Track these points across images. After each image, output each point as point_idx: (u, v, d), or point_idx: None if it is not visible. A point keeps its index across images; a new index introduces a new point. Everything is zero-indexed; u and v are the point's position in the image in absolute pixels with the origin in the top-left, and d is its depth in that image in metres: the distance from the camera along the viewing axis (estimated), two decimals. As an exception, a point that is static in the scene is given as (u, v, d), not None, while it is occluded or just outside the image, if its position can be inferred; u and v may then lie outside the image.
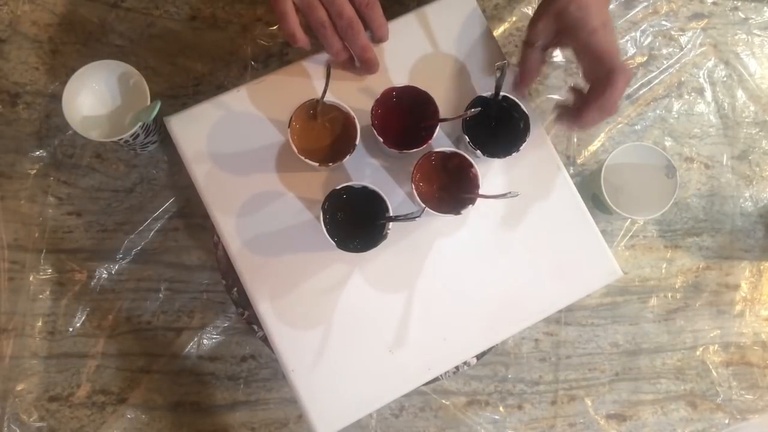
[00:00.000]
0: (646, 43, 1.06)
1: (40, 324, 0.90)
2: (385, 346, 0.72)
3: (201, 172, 0.72)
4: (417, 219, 0.62)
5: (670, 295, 1.02)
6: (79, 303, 0.90)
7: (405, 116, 0.69)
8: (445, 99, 0.69)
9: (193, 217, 0.93)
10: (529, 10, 1.03)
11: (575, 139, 1.02)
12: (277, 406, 0.92)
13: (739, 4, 1.09)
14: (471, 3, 0.78)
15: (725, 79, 1.07)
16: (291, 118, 0.67)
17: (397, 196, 0.74)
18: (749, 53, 1.08)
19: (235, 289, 0.84)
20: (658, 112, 1.05)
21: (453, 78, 0.77)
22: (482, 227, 0.75)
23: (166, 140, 0.91)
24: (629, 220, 1.01)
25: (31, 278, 0.90)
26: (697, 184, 1.05)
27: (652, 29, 1.06)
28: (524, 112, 0.69)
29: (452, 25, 0.77)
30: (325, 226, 0.65)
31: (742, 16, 1.09)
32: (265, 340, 0.80)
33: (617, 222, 1.02)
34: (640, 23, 1.06)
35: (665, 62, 1.06)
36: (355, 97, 0.71)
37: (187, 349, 0.92)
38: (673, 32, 1.07)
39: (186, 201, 0.93)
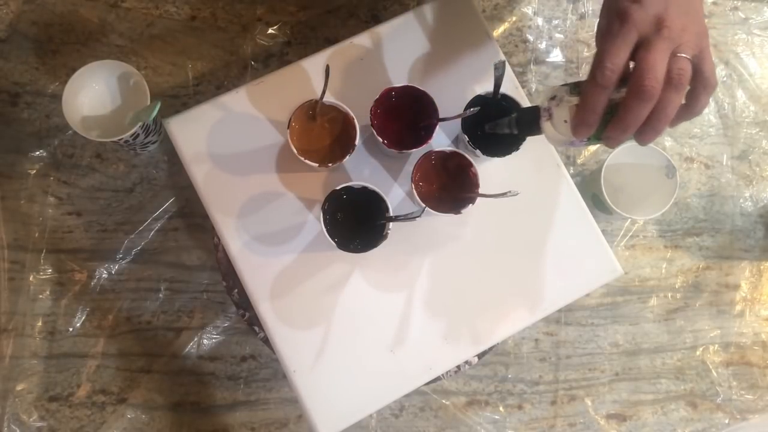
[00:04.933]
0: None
1: (40, 324, 0.90)
2: (385, 346, 0.72)
3: (200, 173, 0.72)
4: (417, 219, 0.62)
5: (670, 295, 1.02)
6: (79, 303, 0.91)
7: (404, 116, 0.69)
8: (444, 98, 0.69)
9: (193, 217, 0.93)
10: (529, 10, 1.04)
11: (575, 139, 1.02)
12: (277, 406, 0.92)
13: (739, 4, 1.09)
14: (470, 3, 0.78)
15: (725, 79, 1.07)
16: (290, 118, 0.67)
17: (397, 196, 0.74)
18: (749, 53, 1.08)
19: (236, 290, 0.84)
20: (658, 112, 1.05)
21: (452, 77, 0.76)
22: (482, 227, 0.75)
23: (166, 140, 0.91)
24: (629, 220, 1.01)
25: (31, 278, 0.90)
26: (697, 184, 1.05)
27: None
28: (524, 111, 0.68)
29: (451, 24, 0.77)
30: (325, 227, 0.65)
31: (742, 16, 1.09)
32: (266, 341, 0.80)
33: (617, 222, 1.02)
34: (640, 23, 1.06)
35: (665, 62, 1.06)
36: (354, 98, 0.71)
37: (187, 349, 0.92)
38: (673, 32, 1.07)
39: (186, 201, 0.93)
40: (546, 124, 0.57)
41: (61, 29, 0.94)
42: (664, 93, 0.49)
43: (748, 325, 1.03)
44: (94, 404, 0.90)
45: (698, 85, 0.52)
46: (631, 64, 0.51)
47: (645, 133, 0.51)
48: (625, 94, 0.50)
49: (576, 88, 0.55)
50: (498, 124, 0.64)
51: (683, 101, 0.52)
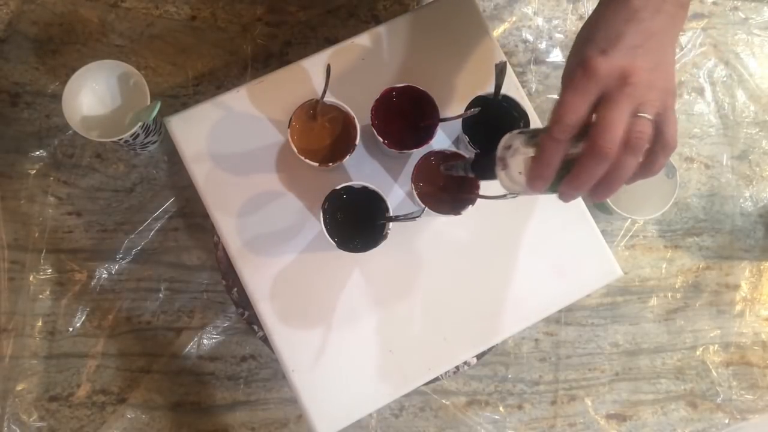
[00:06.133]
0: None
1: (40, 324, 0.90)
2: (385, 346, 0.72)
3: (201, 172, 0.72)
4: (417, 219, 0.62)
5: (670, 295, 1.02)
6: (79, 303, 0.90)
7: (405, 116, 0.69)
8: (444, 99, 0.69)
9: (193, 217, 0.93)
10: (529, 10, 1.04)
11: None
12: (277, 406, 0.92)
13: (739, 4, 1.09)
14: (471, 3, 0.78)
15: (725, 79, 1.07)
16: (291, 118, 0.67)
17: (397, 196, 0.74)
18: (749, 53, 1.08)
19: (236, 289, 0.84)
20: (658, 112, 1.05)
21: (452, 78, 0.76)
22: (482, 227, 0.75)
23: (166, 140, 0.91)
24: (629, 220, 1.01)
25: (31, 278, 0.90)
26: (697, 184, 1.05)
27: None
28: (524, 111, 0.68)
29: (452, 25, 0.77)
30: (325, 226, 0.65)
31: (742, 16, 1.09)
32: (266, 340, 0.80)
33: (617, 222, 1.02)
34: (640, 23, 1.06)
35: (665, 62, 1.06)
36: (355, 97, 0.71)
37: (187, 349, 0.92)
38: (673, 32, 1.07)
39: (186, 201, 0.93)
40: (501, 174, 0.54)
41: (61, 29, 0.94)
42: (621, 155, 0.46)
43: (748, 325, 1.03)
44: (94, 404, 0.90)
45: (657, 146, 0.48)
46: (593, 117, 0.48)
47: (599, 192, 0.49)
48: (581, 150, 0.48)
49: (533, 137, 0.52)
50: (454, 167, 0.61)
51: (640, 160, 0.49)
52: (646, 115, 0.46)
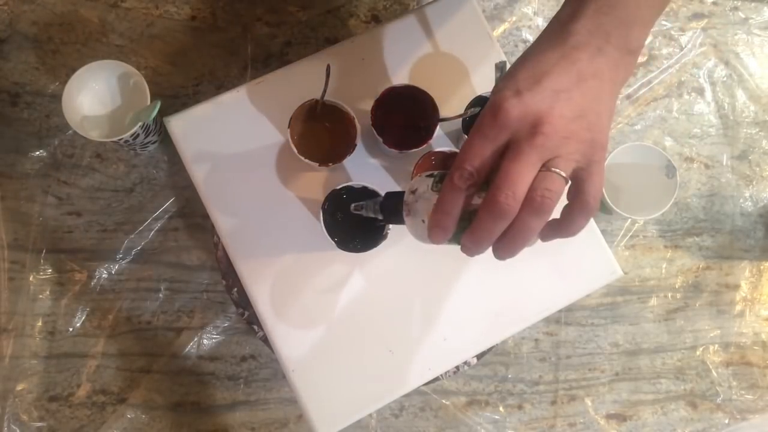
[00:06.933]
0: (646, 42, 1.06)
1: (40, 324, 0.90)
2: (385, 346, 0.72)
3: (201, 172, 0.72)
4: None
5: (670, 295, 1.02)
6: (79, 303, 0.90)
7: (405, 116, 0.69)
8: (444, 99, 0.69)
9: (193, 217, 0.93)
10: (529, 10, 1.04)
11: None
12: (277, 406, 0.92)
13: (739, 4, 1.09)
14: (471, 3, 0.78)
15: (725, 79, 1.07)
16: (291, 118, 0.67)
17: (397, 196, 0.74)
18: (749, 53, 1.08)
19: (236, 289, 0.84)
20: (658, 112, 1.05)
21: (453, 78, 0.77)
22: (482, 227, 0.75)
23: (166, 140, 0.91)
24: (629, 220, 1.01)
25: (31, 278, 0.90)
26: (697, 184, 1.05)
27: (652, 29, 1.06)
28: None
29: (452, 25, 0.77)
30: (325, 226, 0.65)
31: (742, 16, 1.09)
32: (266, 340, 0.80)
33: (617, 222, 1.02)
34: (640, 23, 1.06)
35: (665, 62, 1.06)
36: (355, 97, 0.71)
37: (187, 349, 0.92)
38: (673, 32, 1.07)
39: (186, 201, 0.93)
40: (407, 219, 0.50)
41: (61, 29, 0.94)
42: (522, 214, 0.41)
43: (748, 325, 1.03)
44: (94, 404, 0.90)
45: (575, 206, 0.44)
46: None
47: (499, 249, 0.45)
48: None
49: (440, 183, 0.47)
50: (363, 206, 0.56)
51: (560, 215, 0.45)
52: (557, 170, 0.41)
